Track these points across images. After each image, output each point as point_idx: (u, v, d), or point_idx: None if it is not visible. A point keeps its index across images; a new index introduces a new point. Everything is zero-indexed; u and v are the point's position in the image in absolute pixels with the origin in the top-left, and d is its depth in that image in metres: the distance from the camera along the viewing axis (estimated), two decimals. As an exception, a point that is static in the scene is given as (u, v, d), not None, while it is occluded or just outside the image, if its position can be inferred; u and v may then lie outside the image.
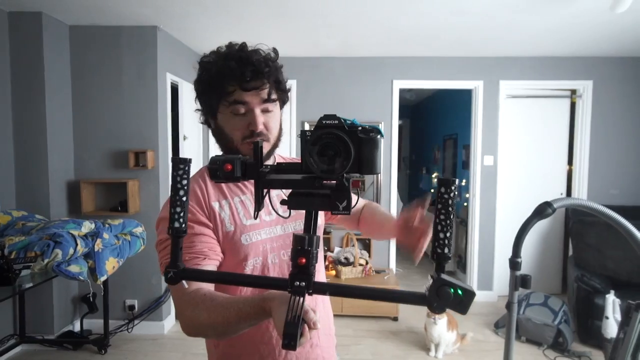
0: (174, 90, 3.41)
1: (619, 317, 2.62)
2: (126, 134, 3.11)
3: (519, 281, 1.36)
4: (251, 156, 0.90)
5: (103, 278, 2.33)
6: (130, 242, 2.68)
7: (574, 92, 3.97)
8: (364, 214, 1.17)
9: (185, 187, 0.57)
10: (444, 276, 0.51)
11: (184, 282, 0.61)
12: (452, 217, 0.50)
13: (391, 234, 0.99)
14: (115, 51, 3.08)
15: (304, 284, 0.54)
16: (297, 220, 1.01)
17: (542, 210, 1.32)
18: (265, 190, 0.59)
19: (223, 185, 0.95)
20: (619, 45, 3.47)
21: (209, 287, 0.85)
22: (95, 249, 2.31)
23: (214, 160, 0.57)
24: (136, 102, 3.10)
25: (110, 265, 2.40)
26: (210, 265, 0.88)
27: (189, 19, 2.95)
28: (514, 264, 1.35)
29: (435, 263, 0.52)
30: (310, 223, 0.57)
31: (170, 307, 3.32)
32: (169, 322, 3.29)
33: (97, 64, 3.09)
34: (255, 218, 0.63)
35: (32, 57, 2.79)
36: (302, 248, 0.54)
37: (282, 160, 1.10)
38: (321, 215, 1.07)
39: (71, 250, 2.10)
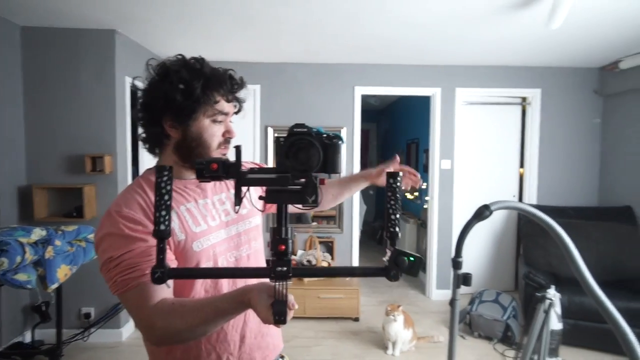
0: (134, 94, 3.37)
1: (559, 310, 2.80)
2: (83, 138, 3.05)
3: (460, 279, 1.46)
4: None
5: (54, 286, 2.27)
6: (85, 249, 2.62)
7: (524, 99, 4.20)
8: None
9: (170, 192, 0.64)
10: (398, 248, 0.64)
11: (168, 282, 0.67)
12: (399, 202, 0.63)
13: (361, 183, 1.34)
14: (71, 54, 3.02)
15: (285, 268, 0.64)
16: (238, 223, 1.05)
17: (481, 213, 1.43)
18: (245, 188, 0.67)
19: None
20: (563, 57, 3.72)
21: (171, 296, 0.87)
22: (46, 257, 2.25)
23: (200, 161, 0.65)
24: (94, 106, 3.05)
25: (62, 272, 2.34)
26: None
27: (148, 24, 2.93)
28: (456, 263, 1.45)
29: (389, 239, 0.64)
30: (281, 216, 0.66)
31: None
32: (128, 329, 3.23)
33: (52, 66, 3.01)
34: (236, 212, 0.73)
35: (-20, 58, 2.70)
36: (281, 237, 0.64)
37: None
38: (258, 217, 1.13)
39: (18, 259, 2.04)
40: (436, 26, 2.89)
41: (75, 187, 2.97)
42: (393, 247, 0.64)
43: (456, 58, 3.81)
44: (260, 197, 0.68)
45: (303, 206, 0.65)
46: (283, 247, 0.64)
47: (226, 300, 0.77)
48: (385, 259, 0.65)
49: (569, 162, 4.12)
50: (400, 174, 0.64)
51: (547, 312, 1.23)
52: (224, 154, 0.99)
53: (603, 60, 3.81)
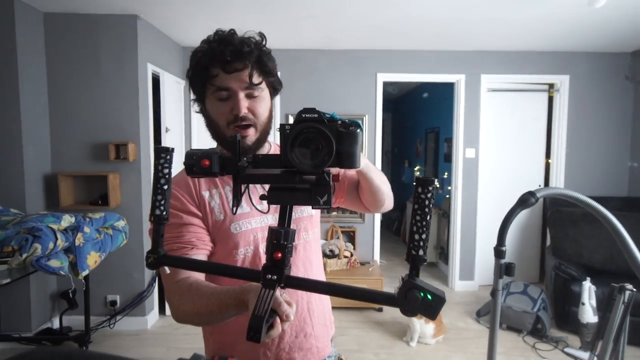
0: (156, 81, 3.33)
1: (594, 302, 2.73)
2: (106, 125, 3.03)
3: (503, 269, 1.40)
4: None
5: (85, 273, 2.27)
6: (112, 236, 2.62)
7: (551, 86, 4.07)
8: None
9: (167, 176, 0.58)
10: (416, 280, 0.51)
11: (166, 267, 0.62)
12: (428, 218, 0.49)
13: None
14: (93, 40, 2.99)
15: (275, 277, 0.55)
16: None
17: (526, 200, 1.36)
18: (244, 186, 0.59)
19: None
20: (593, 41, 3.58)
21: (198, 276, 0.86)
22: (76, 243, 2.24)
23: (190, 155, 0.56)
24: (116, 93, 3.02)
25: (92, 259, 2.34)
26: (199, 255, 0.88)
27: (170, 9, 2.88)
28: (499, 252, 1.39)
29: (410, 265, 0.51)
30: (285, 216, 0.57)
31: (153, 302, 3.27)
32: (152, 317, 3.24)
33: (74, 53, 2.98)
34: (234, 214, 0.63)
35: (4, 45, 2.67)
36: (278, 242, 0.55)
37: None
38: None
39: (51, 245, 2.03)
40: (464, 7, 2.78)
41: (100, 175, 2.96)
42: (410, 276, 0.51)
43: (481, 43, 3.69)
44: (262, 197, 0.58)
45: (313, 207, 0.55)
46: (280, 254, 0.54)
47: (229, 295, 0.72)
48: (396, 287, 0.54)
49: (598, 151, 3.99)
50: (436, 182, 0.54)
51: (627, 305, 1.16)
52: (244, 136, 0.90)
53: (636, 44, 3.67)
